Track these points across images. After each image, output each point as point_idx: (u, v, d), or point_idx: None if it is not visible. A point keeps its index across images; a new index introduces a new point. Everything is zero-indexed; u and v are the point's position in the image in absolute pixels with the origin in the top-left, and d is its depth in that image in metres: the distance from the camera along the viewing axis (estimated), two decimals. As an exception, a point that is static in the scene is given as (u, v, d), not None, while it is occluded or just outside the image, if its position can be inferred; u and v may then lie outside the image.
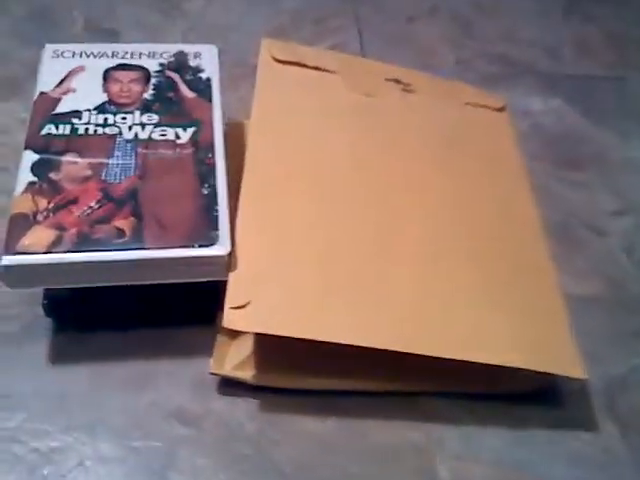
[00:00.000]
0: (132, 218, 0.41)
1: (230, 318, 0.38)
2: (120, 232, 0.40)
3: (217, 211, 0.42)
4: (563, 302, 0.45)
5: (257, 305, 0.39)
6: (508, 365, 0.40)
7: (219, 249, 0.40)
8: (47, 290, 0.43)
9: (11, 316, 0.44)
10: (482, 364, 0.40)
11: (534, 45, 0.71)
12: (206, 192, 0.43)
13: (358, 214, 0.46)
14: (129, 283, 0.40)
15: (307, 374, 0.42)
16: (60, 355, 0.43)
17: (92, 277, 0.40)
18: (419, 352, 0.40)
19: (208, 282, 0.41)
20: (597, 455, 0.41)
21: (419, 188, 0.49)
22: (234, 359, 0.42)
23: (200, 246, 0.40)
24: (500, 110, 0.59)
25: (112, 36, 0.63)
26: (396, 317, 0.41)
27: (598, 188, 0.58)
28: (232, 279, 0.40)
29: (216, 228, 0.41)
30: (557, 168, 0.59)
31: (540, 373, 0.41)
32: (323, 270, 0.42)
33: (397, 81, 0.56)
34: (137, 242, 0.40)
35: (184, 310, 0.44)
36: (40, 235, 0.40)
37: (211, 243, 0.40)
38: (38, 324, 0.43)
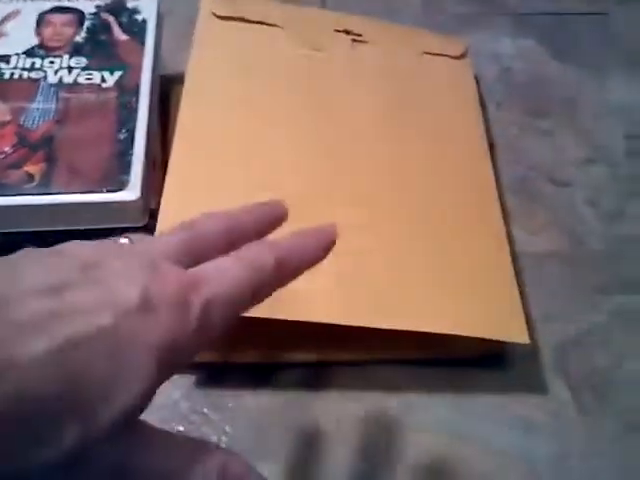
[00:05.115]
0: (43, 163, 0.41)
1: None
2: (30, 177, 0.40)
3: (131, 155, 0.41)
4: (511, 266, 0.42)
5: None
6: (448, 333, 0.39)
7: (128, 194, 0.40)
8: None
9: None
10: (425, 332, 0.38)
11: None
12: (122, 137, 0.42)
13: (298, 180, 0.43)
14: (44, 229, 0.40)
15: (240, 348, 0.41)
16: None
17: (4, 222, 0.40)
18: (347, 323, 0.37)
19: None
20: (546, 420, 0.39)
21: (365, 151, 0.46)
22: None
23: (108, 191, 0.40)
24: (460, 57, 0.55)
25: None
26: (326, 288, 0.39)
27: (566, 136, 0.54)
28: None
29: (127, 173, 0.41)
30: (523, 116, 0.55)
31: (485, 339, 0.40)
32: None
33: (347, 32, 0.52)
34: (45, 187, 0.40)
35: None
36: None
37: (120, 188, 0.40)
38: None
